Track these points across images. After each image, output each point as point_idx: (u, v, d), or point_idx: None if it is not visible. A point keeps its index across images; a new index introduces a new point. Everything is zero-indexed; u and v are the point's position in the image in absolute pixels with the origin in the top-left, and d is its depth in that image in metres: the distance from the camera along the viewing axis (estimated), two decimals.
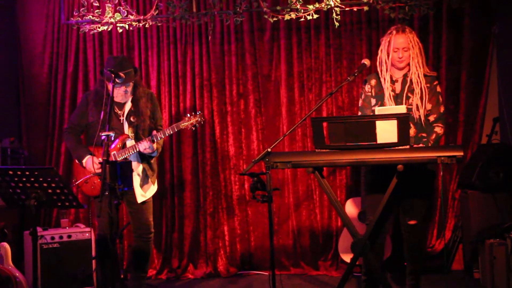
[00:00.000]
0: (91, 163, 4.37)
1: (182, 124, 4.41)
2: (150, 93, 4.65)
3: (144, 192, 4.52)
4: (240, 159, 5.63)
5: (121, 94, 4.42)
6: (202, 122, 4.47)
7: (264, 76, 5.63)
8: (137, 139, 4.46)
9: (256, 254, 5.61)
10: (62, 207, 3.91)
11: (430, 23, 5.32)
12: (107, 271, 4.47)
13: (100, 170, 4.29)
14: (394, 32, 4.14)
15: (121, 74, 4.20)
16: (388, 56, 4.14)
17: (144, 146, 4.35)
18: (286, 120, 5.55)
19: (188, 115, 4.45)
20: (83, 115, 4.54)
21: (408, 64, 4.13)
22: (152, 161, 4.59)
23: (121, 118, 4.49)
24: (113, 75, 4.11)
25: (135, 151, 4.39)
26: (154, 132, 4.41)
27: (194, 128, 4.45)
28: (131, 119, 4.48)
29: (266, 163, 3.75)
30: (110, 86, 4.24)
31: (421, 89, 4.08)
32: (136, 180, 4.48)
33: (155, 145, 4.41)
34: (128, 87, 4.44)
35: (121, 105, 4.51)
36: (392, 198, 3.82)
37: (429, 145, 4.00)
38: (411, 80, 4.11)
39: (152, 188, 4.59)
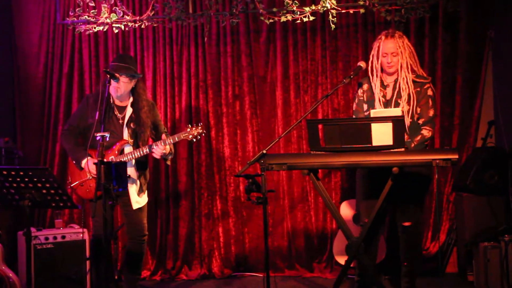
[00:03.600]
0: (92, 165, 4.33)
1: (183, 135, 4.41)
2: (152, 103, 4.65)
3: (139, 199, 4.52)
4: (235, 161, 5.63)
5: (114, 87, 4.37)
6: (203, 134, 4.47)
7: (260, 78, 5.63)
8: (136, 146, 4.45)
9: (251, 256, 5.61)
10: (56, 208, 3.91)
11: (426, 26, 5.33)
12: (101, 272, 4.46)
13: None
14: (383, 37, 4.15)
15: (117, 75, 4.19)
16: (378, 61, 4.15)
17: (159, 149, 4.34)
18: (282, 122, 5.55)
19: (190, 125, 4.45)
20: (82, 117, 4.51)
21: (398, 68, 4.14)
22: (146, 170, 4.60)
23: (121, 121, 4.47)
24: (108, 76, 4.10)
25: (133, 157, 4.38)
26: (163, 136, 4.41)
27: (195, 140, 4.46)
28: (131, 125, 4.47)
29: (261, 165, 3.75)
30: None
31: (408, 94, 4.08)
32: (133, 187, 4.47)
33: (167, 147, 4.41)
34: (123, 80, 4.37)
35: (122, 109, 4.49)
36: (386, 201, 3.83)
37: (412, 146, 3.98)
38: (400, 86, 4.11)
39: (145, 197, 4.59)
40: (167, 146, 4.40)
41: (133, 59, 4.65)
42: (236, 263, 5.62)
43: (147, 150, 4.39)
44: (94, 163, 4.14)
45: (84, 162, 4.40)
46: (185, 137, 4.41)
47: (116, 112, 4.48)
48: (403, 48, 4.11)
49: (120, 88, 4.41)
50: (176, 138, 4.39)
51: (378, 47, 4.15)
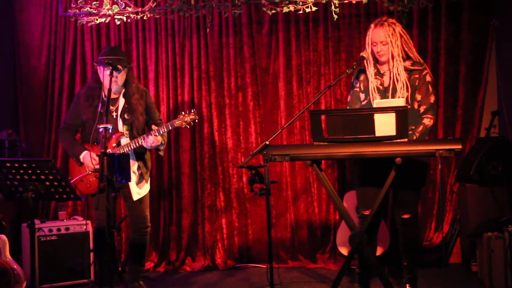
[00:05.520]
0: (89, 158, 4.34)
1: (176, 123, 4.38)
2: (144, 90, 4.61)
3: (139, 190, 4.51)
4: (238, 152, 5.63)
5: (113, 82, 4.27)
6: (196, 121, 4.45)
7: (263, 69, 5.62)
8: (132, 137, 4.44)
9: (254, 247, 5.62)
10: (59, 200, 3.91)
11: (429, 16, 5.31)
12: (104, 263, 4.47)
13: (98, 166, 4.29)
14: (373, 26, 4.11)
15: (119, 67, 4.17)
16: (369, 50, 4.13)
17: (150, 140, 4.32)
18: (284, 113, 5.54)
19: (183, 112, 4.41)
20: (76, 114, 4.50)
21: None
22: (147, 158, 4.58)
23: (114, 114, 4.45)
24: (110, 67, 4.08)
25: (130, 148, 4.37)
26: (154, 127, 4.39)
27: (188, 127, 4.43)
28: (125, 116, 4.45)
29: (264, 156, 3.74)
30: (104, 77, 4.24)
31: (403, 82, 4.05)
32: (132, 178, 4.46)
33: (159, 138, 4.39)
34: (118, 74, 4.32)
35: (114, 101, 4.47)
36: (387, 190, 3.81)
37: (414, 137, 3.96)
38: (394, 75, 4.08)
39: (146, 186, 4.58)
40: (159, 137, 4.38)
41: (122, 49, 4.62)
42: (240, 254, 5.63)
43: (142, 140, 4.38)
44: (98, 155, 4.15)
45: (82, 156, 4.39)
46: (178, 125, 4.37)
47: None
48: (393, 37, 4.05)
49: (117, 82, 4.39)
50: (170, 127, 4.36)
51: (368, 36, 4.13)
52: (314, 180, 5.49)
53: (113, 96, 4.46)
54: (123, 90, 4.48)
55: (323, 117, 3.77)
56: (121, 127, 4.45)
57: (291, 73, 5.56)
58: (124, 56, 4.45)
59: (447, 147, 3.55)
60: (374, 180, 3.99)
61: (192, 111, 4.42)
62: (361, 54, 4.18)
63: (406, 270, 4.24)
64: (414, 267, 4.22)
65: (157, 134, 4.32)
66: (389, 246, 5.08)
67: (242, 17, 5.53)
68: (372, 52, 4.12)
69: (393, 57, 4.06)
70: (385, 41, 4.05)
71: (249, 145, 5.60)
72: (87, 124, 4.41)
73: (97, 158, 4.30)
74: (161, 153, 4.62)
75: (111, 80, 4.10)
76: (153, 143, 4.34)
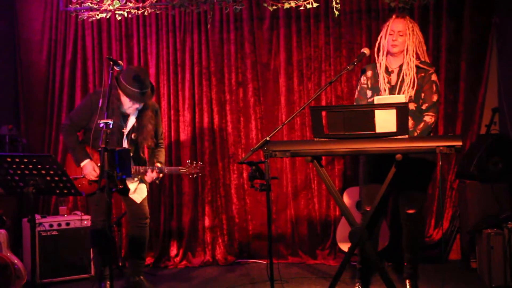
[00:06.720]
0: (90, 169, 4.31)
1: (181, 170, 4.49)
2: (156, 107, 4.59)
3: (141, 190, 4.52)
4: (239, 148, 5.63)
5: (133, 109, 4.35)
6: (200, 175, 4.55)
7: (263, 65, 5.62)
8: (136, 157, 4.44)
9: (254, 243, 5.62)
10: (60, 195, 3.90)
11: (430, 13, 5.31)
12: (105, 258, 4.47)
13: (97, 179, 4.27)
14: (394, 16, 4.16)
15: (120, 62, 4.12)
16: (385, 40, 4.14)
17: (151, 176, 4.38)
18: (285, 109, 5.55)
19: (188, 161, 4.52)
20: (85, 116, 4.38)
21: (402, 52, 4.12)
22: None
23: (123, 130, 4.39)
24: (111, 62, 4.06)
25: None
26: (158, 165, 4.43)
27: (191, 177, 4.54)
28: (132, 136, 4.42)
29: (265, 152, 3.74)
30: (124, 101, 4.27)
31: (411, 79, 4.06)
32: (133, 186, 4.46)
33: (160, 174, 4.45)
34: (141, 105, 4.38)
35: (125, 118, 4.42)
36: (391, 188, 3.82)
37: (415, 134, 3.98)
38: (404, 71, 4.09)
39: (145, 188, 4.58)
40: (160, 174, 4.44)
41: (148, 73, 4.51)
42: (240, 250, 5.64)
43: (144, 172, 4.41)
44: (99, 151, 4.13)
45: (83, 163, 4.34)
46: (182, 173, 4.53)
47: (119, 120, 4.37)
48: (411, 31, 4.09)
49: (138, 110, 4.41)
50: (173, 171, 4.43)
51: (388, 26, 4.14)
52: (315, 176, 5.49)
53: (125, 112, 4.42)
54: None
55: (323, 113, 3.77)
56: (125, 145, 4.41)
57: (292, 69, 5.56)
58: (150, 83, 4.39)
59: (448, 143, 3.55)
60: (382, 178, 3.97)
61: (199, 163, 4.52)
62: (362, 50, 4.18)
63: (407, 265, 4.25)
64: (415, 263, 4.24)
65: (159, 172, 4.40)
66: (389, 242, 5.09)
67: (243, 12, 5.52)
68: (387, 41, 4.13)
69: (407, 51, 4.08)
70: (403, 32, 4.08)
71: (250, 141, 5.60)
72: (95, 130, 4.31)
73: (98, 171, 4.27)
74: (157, 181, 4.61)
75: (112, 75, 4.09)
76: (154, 179, 4.41)
